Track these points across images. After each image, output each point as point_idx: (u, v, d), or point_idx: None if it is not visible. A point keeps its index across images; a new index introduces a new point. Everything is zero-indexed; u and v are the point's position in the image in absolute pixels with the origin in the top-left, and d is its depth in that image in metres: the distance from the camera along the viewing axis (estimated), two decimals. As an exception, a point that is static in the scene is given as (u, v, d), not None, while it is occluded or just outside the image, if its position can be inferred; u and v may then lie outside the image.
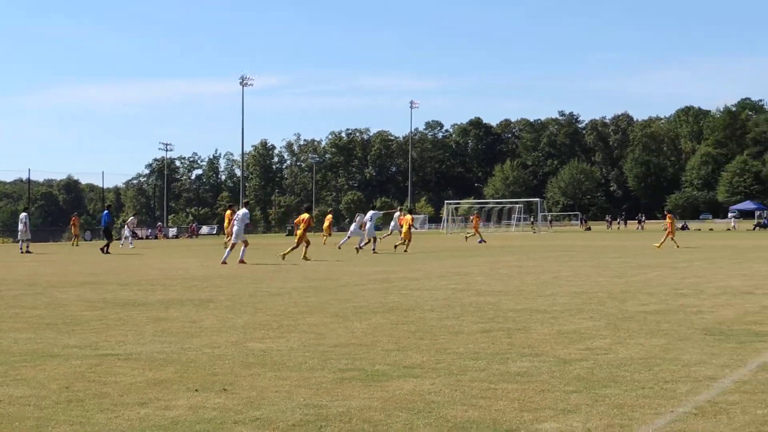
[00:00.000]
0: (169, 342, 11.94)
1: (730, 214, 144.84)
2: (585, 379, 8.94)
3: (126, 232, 60.98)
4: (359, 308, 16.21)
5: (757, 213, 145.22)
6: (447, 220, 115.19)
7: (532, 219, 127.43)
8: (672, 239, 46.71)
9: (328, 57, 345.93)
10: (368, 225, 44.72)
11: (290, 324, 13.87)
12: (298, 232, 36.21)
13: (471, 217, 69.94)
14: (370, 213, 47.06)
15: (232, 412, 7.66)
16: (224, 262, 32.36)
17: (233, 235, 34.44)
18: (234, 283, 23.17)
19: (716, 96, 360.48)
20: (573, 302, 16.91)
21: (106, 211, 50.73)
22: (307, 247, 35.17)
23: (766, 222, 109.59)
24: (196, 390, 8.60)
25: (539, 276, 24.55)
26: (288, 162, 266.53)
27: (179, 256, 42.58)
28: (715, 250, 42.78)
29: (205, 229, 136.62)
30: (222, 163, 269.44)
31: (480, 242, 58.11)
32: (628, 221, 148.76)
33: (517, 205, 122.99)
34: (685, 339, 11.69)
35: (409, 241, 44.27)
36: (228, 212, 54.24)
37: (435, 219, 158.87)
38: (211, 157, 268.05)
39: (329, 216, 62.05)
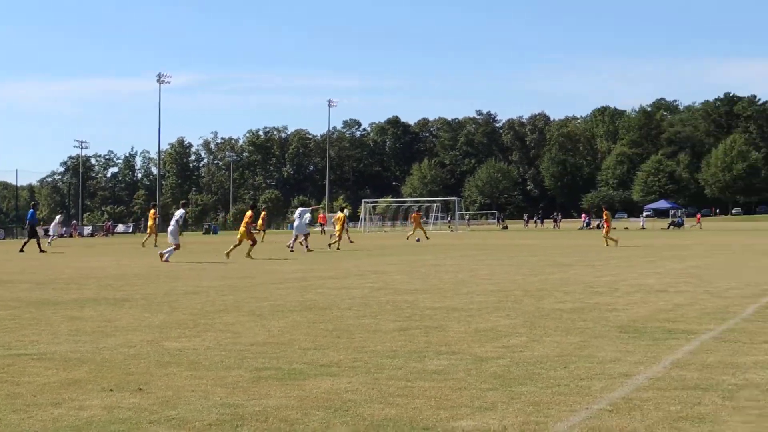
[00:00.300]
0: (84, 341, 11.80)
1: (644, 213, 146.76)
2: (501, 377, 8.99)
3: (51, 230, 60.45)
4: (276, 307, 16.16)
5: (671, 212, 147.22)
6: (365, 219, 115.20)
7: (449, 218, 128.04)
8: (605, 236, 47.24)
9: (245, 55, 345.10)
10: (296, 222, 44.61)
11: (206, 323, 13.78)
12: (242, 228, 36.04)
13: (411, 215, 69.16)
14: (299, 210, 47.12)
15: (147, 412, 7.59)
16: (167, 260, 31.88)
17: (169, 235, 33.90)
18: (150, 281, 22.97)
19: (632, 96, 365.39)
20: (490, 300, 17.00)
21: (32, 210, 49.86)
22: (235, 247, 35.04)
23: (679, 221, 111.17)
24: (111, 390, 8.50)
25: (457, 274, 24.65)
26: (205, 160, 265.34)
27: (95, 255, 42.09)
28: (630, 248, 43.26)
29: (120, 228, 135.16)
30: (138, 161, 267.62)
31: (417, 240, 57.53)
32: (545, 220, 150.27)
33: (435, 204, 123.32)
34: (600, 337, 11.82)
35: (340, 239, 44.72)
36: (152, 211, 54.11)
37: (353, 218, 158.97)
38: (128, 155, 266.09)
39: (263, 214, 61.80)
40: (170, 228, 33.99)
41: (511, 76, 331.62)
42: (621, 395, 8.11)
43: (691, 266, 27.49)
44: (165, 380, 8.99)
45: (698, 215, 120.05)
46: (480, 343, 11.35)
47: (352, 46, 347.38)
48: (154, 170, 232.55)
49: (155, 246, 48.04)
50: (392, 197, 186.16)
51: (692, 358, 10.05)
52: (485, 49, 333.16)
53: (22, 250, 44.38)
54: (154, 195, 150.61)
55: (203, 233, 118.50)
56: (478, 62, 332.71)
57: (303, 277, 23.95)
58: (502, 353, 10.50)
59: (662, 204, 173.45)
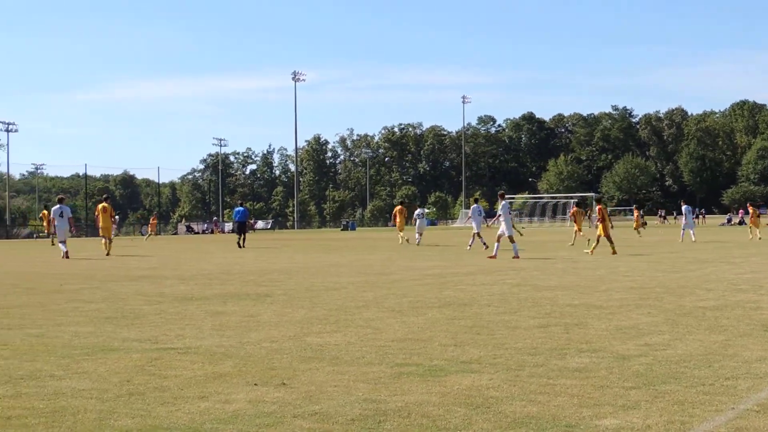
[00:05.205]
0: (228, 336, 12.01)
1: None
2: (644, 376, 8.87)
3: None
4: (415, 303, 16.21)
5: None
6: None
7: (588, 213, 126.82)
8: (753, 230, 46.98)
9: (379, 52, 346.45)
10: (418, 221, 50.27)
11: (347, 318, 13.91)
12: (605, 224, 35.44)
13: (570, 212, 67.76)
14: (418, 210, 52.57)
15: (291, 406, 7.68)
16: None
17: (505, 228, 32.93)
18: (290, 277, 23.29)
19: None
20: (630, 297, 16.79)
21: (242, 208, 51.94)
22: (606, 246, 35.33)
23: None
24: (255, 384, 8.64)
25: (595, 271, 24.41)
26: (341, 157, 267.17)
27: (238, 251, 42.71)
28: (773, 245, 42.26)
29: (260, 224, 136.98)
30: (276, 158, 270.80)
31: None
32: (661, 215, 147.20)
33: (572, 200, 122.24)
34: (745, 335, 11.58)
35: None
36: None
37: (490, 214, 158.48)
38: (265, 152, 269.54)
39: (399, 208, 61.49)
40: (504, 225, 33.13)
41: (647, 70, 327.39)
42: (768, 395, 7.95)
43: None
44: (308, 375, 9.10)
45: None
46: (621, 340, 11.22)
47: (486, 41, 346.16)
48: (292, 167, 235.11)
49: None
50: (529, 193, 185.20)
51: (842, 358, 9.80)
52: (620, 43, 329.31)
53: (242, 246, 45.76)
54: (292, 191, 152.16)
55: (341, 229, 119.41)
56: (613, 56, 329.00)
57: (440, 274, 23.99)
58: (644, 351, 10.37)
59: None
